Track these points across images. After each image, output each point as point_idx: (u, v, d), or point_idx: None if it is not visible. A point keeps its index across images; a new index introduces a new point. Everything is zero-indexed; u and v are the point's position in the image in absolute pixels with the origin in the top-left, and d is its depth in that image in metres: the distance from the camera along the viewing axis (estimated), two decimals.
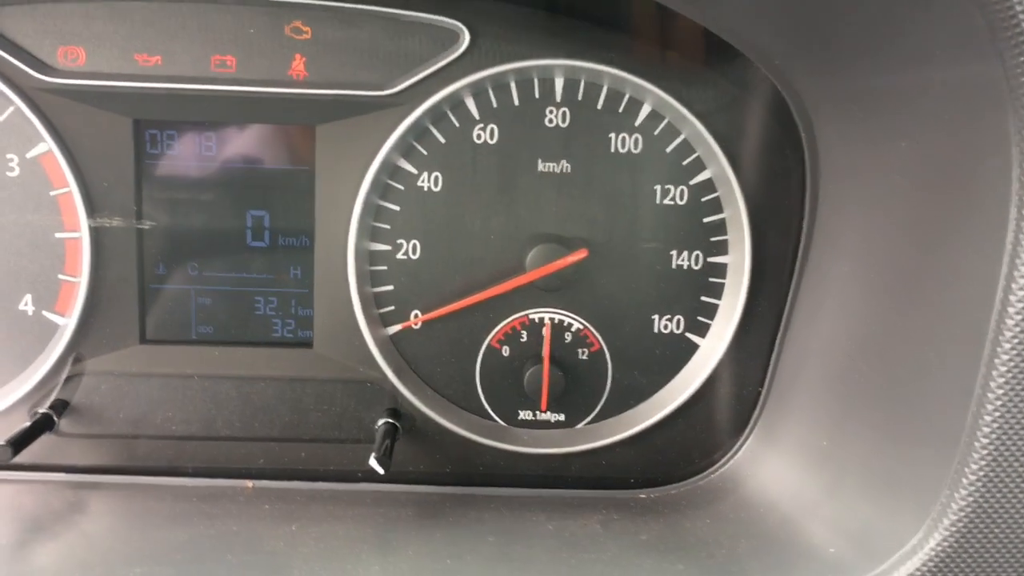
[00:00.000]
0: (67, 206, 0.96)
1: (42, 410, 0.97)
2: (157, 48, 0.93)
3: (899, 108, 0.75)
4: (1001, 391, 0.68)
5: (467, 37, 0.92)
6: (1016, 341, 0.67)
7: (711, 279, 1.00)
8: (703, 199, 0.98)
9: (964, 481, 0.70)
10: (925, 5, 0.64)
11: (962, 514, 0.71)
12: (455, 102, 0.95)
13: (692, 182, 0.98)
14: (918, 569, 0.72)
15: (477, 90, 0.95)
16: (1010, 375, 0.67)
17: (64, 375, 0.98)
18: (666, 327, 1.01)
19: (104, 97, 0.93)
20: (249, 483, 0.99)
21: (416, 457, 1.01)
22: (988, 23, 0.61)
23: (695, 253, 0.99)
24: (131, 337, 0.99)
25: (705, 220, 0.99)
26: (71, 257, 0.97)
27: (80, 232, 0.95)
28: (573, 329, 1.01)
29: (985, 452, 0.69)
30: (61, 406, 0.98)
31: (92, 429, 0.99)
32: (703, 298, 1.00)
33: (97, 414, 0.99)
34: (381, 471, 0.90)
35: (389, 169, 0.97)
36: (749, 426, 1.01)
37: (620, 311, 1.00)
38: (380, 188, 0.97)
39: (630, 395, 1.03)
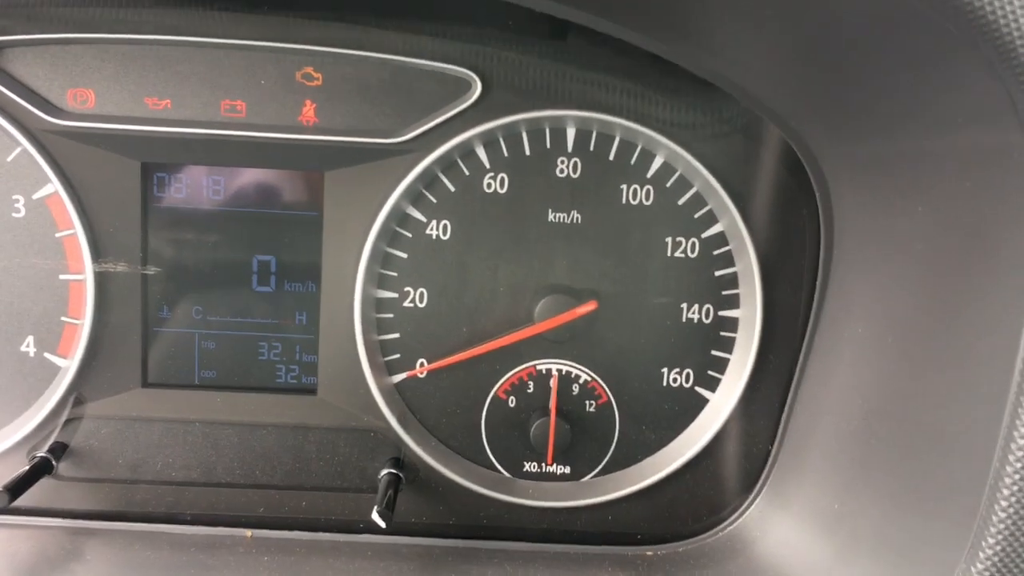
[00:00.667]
0: (72, 248, 0.95)
1: (41, 453, 0.96)
2: (167, 92, 0.93)
3: (918, 174, 0.74)
4: (1020, 464, 0.66)
5: (479, 86, 0.92)
6: None
7: (722, 333, 0.99)
8: (715, 252, 0.97)
9: (981, 555, 0.69)
10: (947, 76, 0.63)
11: None
12: (465, 151, 0.94)
13: (704, 235, 0.97)
14: None
15: (488, 139, 0.94)
16: None
17: (64, 418, 0.97)
18: (675, 381, 1.00)
19: (113, 140, 0.93)
20: (248, 532, 0.98)
21: (419, 508, 0.99)
22: (1010, 94, 0.60)
23: (706, 306, 0.98)
24: (133, 381, 0.98)
25: (716, 273, 0.97)
26: (75, 299, 0.96)
27: (84, 275, 0.94)
28: (581, 381, 0.99)
29: (1003, 527, 0.67)
30: (60, 449, 0.97)
31: (91, 473, 0.98)
32: (713, 352, 0.99)
33: (96, 458, 0.98)
34: (383, 525, 0.88)
35: (398, 216, 0.96)
36: (759, 484, 0.99)
37: (629, 364, 0.99)
38: (388, 235, 0.96)
39: (638, 449, 1.01)
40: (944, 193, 0.71)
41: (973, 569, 0.69)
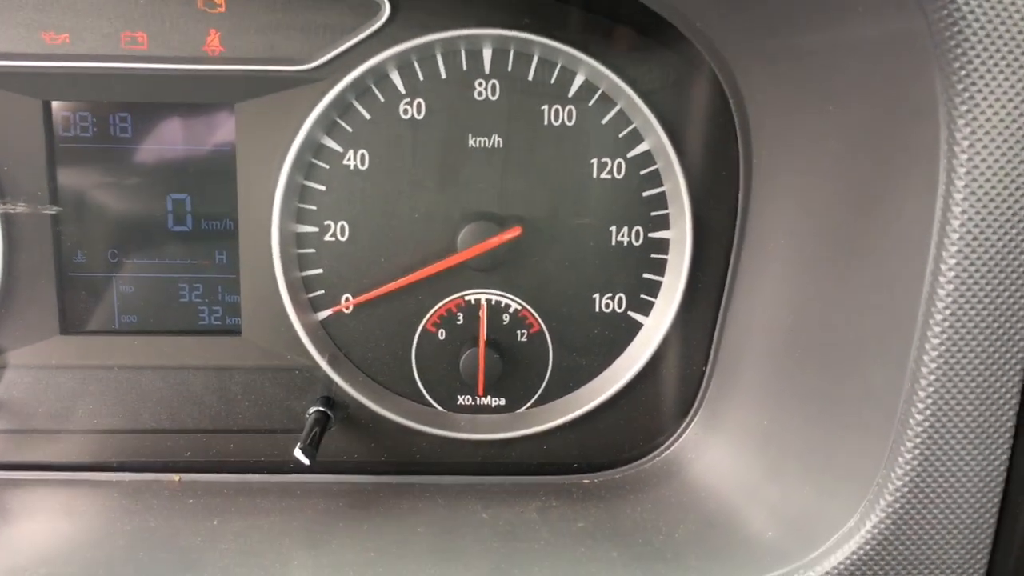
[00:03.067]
0: None
1: None
2: (64, 25, 0.89)
3: (825, 70, 0.71)
4: (935, 364, 0.65)
5: (387, 7, 0.88)
6: (949, 312, 0.64)
7: (652, 255, 0.96)
8: (641, 172, 0.94)
9: (900, 460, 0.68)
10: None
11: (898, 494, 0.68)
12: (379, 76, 0.91)
13: (629, 155, 0.94)
14: (854, 552, 0.70)
15: (402, 63, 0.91)
16: (944, 349, 0.64)
17: None
18: (607, 306, 0.98)
19: (10, 78, 0.89)
20: (176, 476, 0.96)
21: (350, 446, 0.98)
22: None
23: (635, 228, 0.96)
24: (50, 328, 0.95)
25: (644, 194, 0.95)
26: None
27: None
28: (511, 310, 0.97)
29: (920, 430, 0.66)
30: None
31: (11, 424, 0.95)
32: (645, 275, 0.97)
33: (17, 409, 0.95)
34: (306, 461, 0.86)
35: (313, 147, 0.93)
36: (694, 407, 0.98)
37: (559, 291, 0.97)
38: (304, 167, 0.93)
39: (572, 377, 0.99)
40: (852, 87, 0.69)
41: (892, 474, 0.68)
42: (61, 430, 0.96)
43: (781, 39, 0.74)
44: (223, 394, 0.96)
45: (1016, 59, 0.59)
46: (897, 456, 0.68)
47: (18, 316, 0.94)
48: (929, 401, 0.65)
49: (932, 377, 0.65)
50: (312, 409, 0.94)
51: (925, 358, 0.65)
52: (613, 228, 0.96)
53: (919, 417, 0.66)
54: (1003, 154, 0.60)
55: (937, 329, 0.64)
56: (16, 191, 0.92)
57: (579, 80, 0.92)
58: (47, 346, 0.95)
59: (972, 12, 0.58)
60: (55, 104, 0.92)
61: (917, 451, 0.67)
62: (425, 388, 0.99)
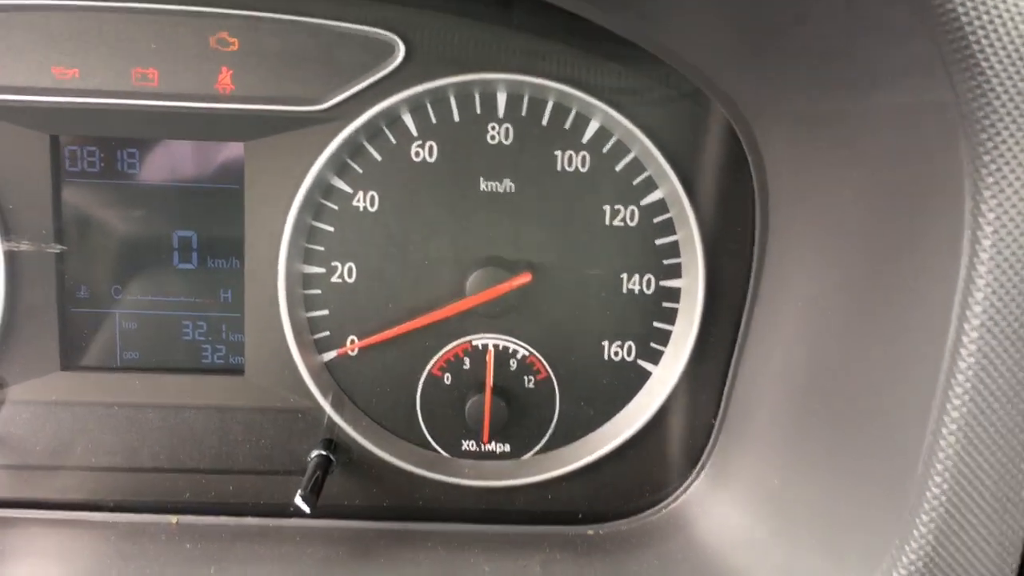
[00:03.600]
0: None
1: None
2: (75, 60, 0.88)
3: (849, 133, 0.70)
4: (954, 438, 0.63)
5: (402, 50, 0.87)
6: (970, 385, 0.62)
7: (664, 304, 0.95)
8: (655, 220, 0.93)
9: (915, 533, 0.66)
10: (875, 30, 0.59)
11: (912, 568, 0.66)
12: (391, 118, 0.90)
13: (643, 202, 0.93)
14: None
15: (414, 105, 0.90)
16: (964, 423, 0.63)
17: None
18: (617, 354, 0.96)
19: (19, 112, 0.88)
20: (174, 518, 0.94)
21: (352, 490, 0.96)
22: (939, 49, 0.57)
23: (647, 276, 0.94)
24: (51, 364, 0.94)
25: (657, 242, 0.94)
26: None
27: None
28: (519, 356, 0.96)
29: (937, 503, 0.65)
30: None
31: (9, 460, 0.94)
32: (655, 324, 0.95)
33: (15, 444, 0.94)
34: (307, 510, 0.85)
35: (322, 188, 0.91)
36: (702, 460, 0.96)
37: (568, 337, 0.95)
38: (313, 208, 0.92)
39: (579, 425, 0.98)
40: (876, 155, 0.68)
41: (907, 547, 0.66)
42: (58, 467, 0.94)
43: (806, 103, 0.73)
44: (224, 434, 0.95)
45: None
46: (912, 528, 0.66)
47: (19, 351, 0.93)
48: (947, 475, 0.64)
49: (951, 451, 0.63)
50: (314, 453, 0.93)
51: (944, 430, 0.63)
52: (624, 275, 0.94)
53: (936, 491, 0.64)
54: None
55: (957, 402, 0.62)
56: (21, 225, 0.90)
57: (594, 126, 0.91)
58: (47, 382, 0.94)
59: (1002, 84, 0.56)
60: (62, 138, 0.91)
61: (934, 525, 0.65)
62: (430, 433, 0.97)
